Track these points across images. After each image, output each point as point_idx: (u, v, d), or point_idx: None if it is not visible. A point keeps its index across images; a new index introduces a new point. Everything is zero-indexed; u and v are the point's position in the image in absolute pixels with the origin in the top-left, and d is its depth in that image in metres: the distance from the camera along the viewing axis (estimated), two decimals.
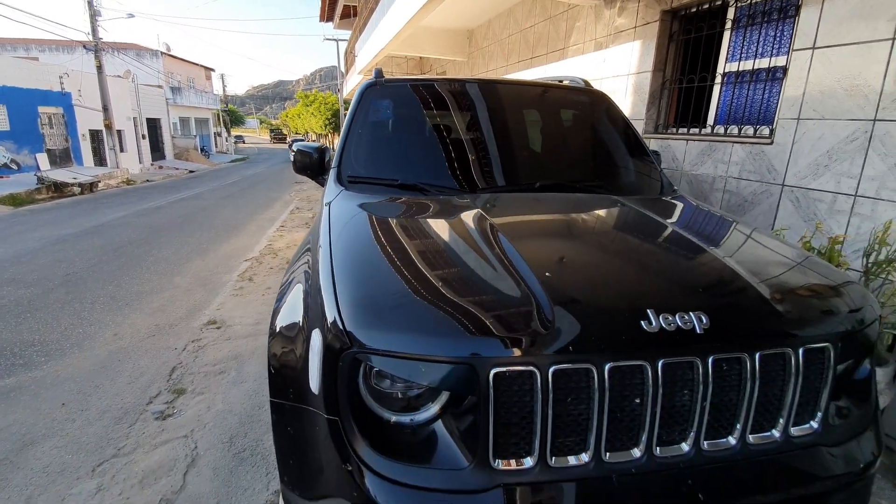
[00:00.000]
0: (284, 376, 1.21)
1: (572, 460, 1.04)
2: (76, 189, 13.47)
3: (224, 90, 43.79)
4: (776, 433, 1.14)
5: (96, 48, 16.38)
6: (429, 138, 2.39)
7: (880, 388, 2.22)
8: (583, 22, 5.01)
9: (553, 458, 1.04)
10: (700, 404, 1.07)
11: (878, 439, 1.29)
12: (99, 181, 14.58)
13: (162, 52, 30.52)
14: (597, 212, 1.82)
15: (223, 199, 12.68)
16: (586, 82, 2.85)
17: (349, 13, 18.98)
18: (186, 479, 2.37)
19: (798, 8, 2.83)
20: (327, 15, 22.18)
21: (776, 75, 3.10)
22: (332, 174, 2.16)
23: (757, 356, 1.08)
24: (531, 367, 1.00)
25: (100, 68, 16.63)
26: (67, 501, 2.21)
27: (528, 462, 1.03)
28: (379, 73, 2.55)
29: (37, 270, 5.73)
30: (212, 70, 41.87)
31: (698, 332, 1.05)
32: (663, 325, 1.05)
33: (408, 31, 7.26)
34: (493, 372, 0.99)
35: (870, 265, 2.21)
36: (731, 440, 1.11)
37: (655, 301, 1.10)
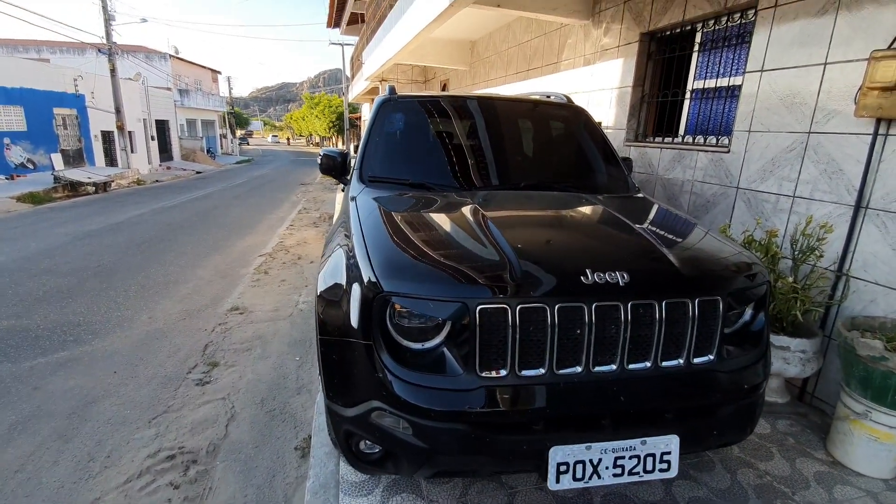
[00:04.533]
0: (330, 319, 1.68)
1: (533, 372, 1.50)
2: (91, 188, 13.98)
3: (230, 93, 44.34)
4: (681, 361, 1.60)
5: (110, 52, 16.93)
6: (434, 145, 2.88)
7: (807, 357, 2.69)
8: (573, 39, 5.49)
9: (520, 370, 1.50)
10: (623, 336, 1.53)
11: (765, 371, 1.75)
12: (112, 181, 15.09)
13: (170, 55, 31.12)
14: (563, 204, 2.30)
15: (233, 200, 13.17)
16: (568, 98, 3.33)
17: (356, 20, 19.55)
18: (228, 430, 2.83)
19: (751, 35, 3.29)
20: (334, 21, 22.79)
21: (734, 93, 3.56)
22: (354, 175, 2.64)
23: (664, 303, 1.54)
24: (504, 305, 1.46)
25: (113, 71, 17.17)
26: (132, 443, 2.68)
27: (503, 372, 1.49)
28: (392, 90, 3.03)
29: (70, 262, 6.20)
30: (218, 72, 42.49)
31: (621, 284, 1.52)
32: (596, 279, 1.51)
33: (415, 42, 7.75)
34: (478, 308, 1.45)
35: (796, 253, 2.67)
36: (647, 364, 1.57)
37: (592, 263, 1.56)
